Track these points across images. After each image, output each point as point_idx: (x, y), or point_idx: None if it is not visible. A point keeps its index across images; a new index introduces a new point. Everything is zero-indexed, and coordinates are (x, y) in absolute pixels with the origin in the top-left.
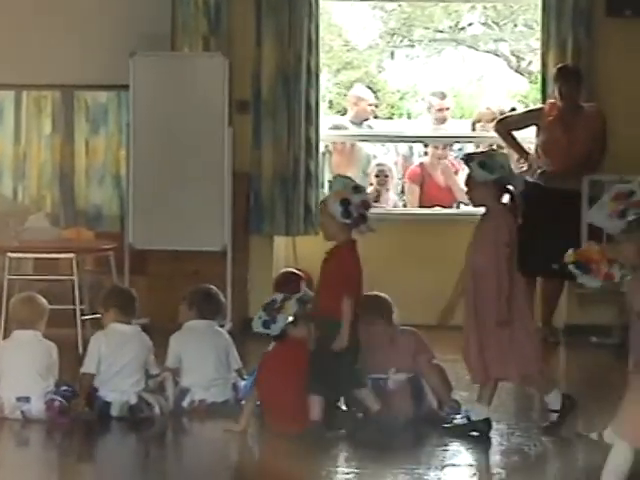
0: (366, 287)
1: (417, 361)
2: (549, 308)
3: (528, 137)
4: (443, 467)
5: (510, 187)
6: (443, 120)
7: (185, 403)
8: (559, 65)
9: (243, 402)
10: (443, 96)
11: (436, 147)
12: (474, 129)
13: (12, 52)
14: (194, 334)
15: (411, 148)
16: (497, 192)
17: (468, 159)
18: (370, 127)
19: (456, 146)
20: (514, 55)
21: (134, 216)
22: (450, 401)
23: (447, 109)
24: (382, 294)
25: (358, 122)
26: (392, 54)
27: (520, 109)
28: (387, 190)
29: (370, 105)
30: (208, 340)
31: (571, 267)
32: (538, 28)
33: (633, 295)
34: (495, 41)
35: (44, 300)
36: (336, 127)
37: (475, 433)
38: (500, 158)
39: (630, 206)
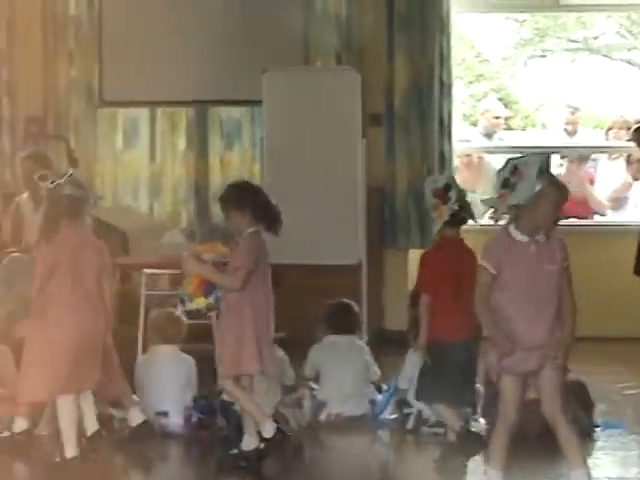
0: None
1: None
2: None
3: None
4: None
5: None
6: (573, 133)
7: (322, 416)
8: None
9: (381, 416)
10: (574, 110)
11: (571, 161)
12: (607, 138)
13: (146, 69)
14: (333, 348)
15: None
16: None
17: None
18: (501, 139)
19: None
20: None
21: None
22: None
23: (576, 124)
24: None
25: (488, 134)
26: (525, 65)
27: None
28: None
29: (499, 117)
30: (347, 354)
31: None
32: None
33: None
34: (629, 50)
35: (184, 316)
36: (465, 140)
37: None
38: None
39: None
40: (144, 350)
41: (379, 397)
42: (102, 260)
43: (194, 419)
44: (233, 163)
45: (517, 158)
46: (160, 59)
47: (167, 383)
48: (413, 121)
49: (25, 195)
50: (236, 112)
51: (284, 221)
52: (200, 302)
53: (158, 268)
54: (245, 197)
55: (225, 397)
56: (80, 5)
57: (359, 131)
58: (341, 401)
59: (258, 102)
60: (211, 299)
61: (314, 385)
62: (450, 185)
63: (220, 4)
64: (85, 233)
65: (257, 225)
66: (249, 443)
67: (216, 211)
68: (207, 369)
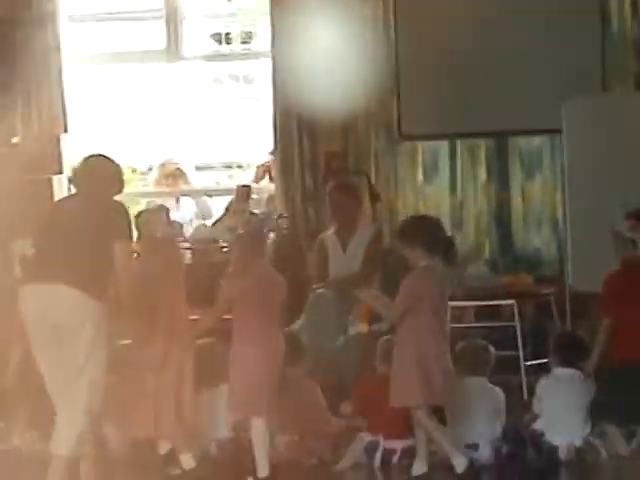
0: None
1: None
2: None
3: None
4: None
5: None
6: None
7: (634, 444)
8: None
9: None
10: None
11: None
12: None
13: (444, 101)
14: None
15: None
16: None
17: None
18: None
19: None
20: None
21: (573, 258)
22: None
23: None
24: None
25: None
26: None
27: None
28: None
29: None
30: None
31: None
32: None
33: None
34: None
35: (492, 348)
36: None
37: None
38: None
39: None
40: None
41: None
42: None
43: (504, 450)
44: (534, 193)
45: None
46: (458, 90)
47: (477, 415)
48: None
49: (330, 231)
50: (536, 141)
51: (590, 249)
52: (362, 327)
53: (462, 300)
54: (414, 232)
55: (535, 426)
56: (376, 40)
57: None
58: None
59: (558, 131)
60: (375, 327)
61: None
62: None
63: (515, 34)
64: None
65: (432, 259)
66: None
67: (519, 242)
68: (515, 399)
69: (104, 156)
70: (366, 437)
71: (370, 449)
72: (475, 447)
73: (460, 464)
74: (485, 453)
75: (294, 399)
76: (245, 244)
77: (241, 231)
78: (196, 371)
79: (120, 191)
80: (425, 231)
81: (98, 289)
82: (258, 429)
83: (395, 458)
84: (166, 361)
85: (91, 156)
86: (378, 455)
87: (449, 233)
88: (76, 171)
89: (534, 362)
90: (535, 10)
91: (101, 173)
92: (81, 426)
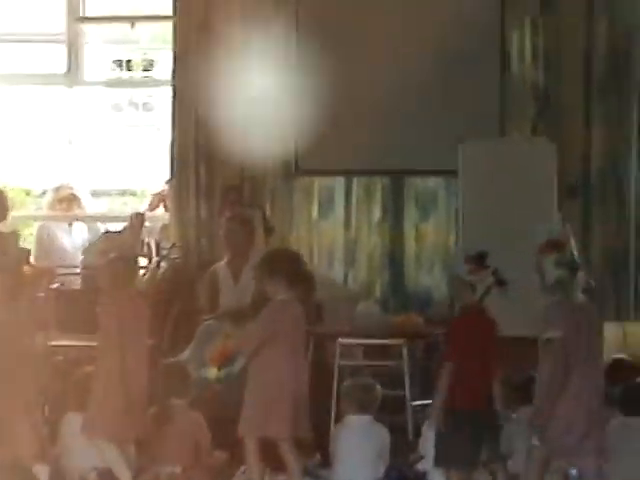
0: None
1: None
2: None
3: None
4: None
5: None
6: None
7: None
8: None
9: None
10: None
11: None
12: None
13: (341, 139)
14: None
15: None
16: None
17: None
18: None
19: None
20: None
21: None
22: None
23: None
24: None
25: None
26: None
27: None
28: None
29: None
30: None
31: None
32: None
33: None
34: None
35: (379, 386)
36: None
37: None
38: None
39: None
40: (337, 420)
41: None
42: None
43: None
44: (428, 233)
45: None
46: (356, 128)
47: (361, 453)
48: (609, 192)
49: (222, 262)
50: (431, 182)
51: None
52: (211, 372)
53: (352, 338)
54: (275, 265)
55: (419, 467)
56: (277, 76)
57: (555, 203)
58: None
59: (453, 172)
60: (223, 373)
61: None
62: (487, 253)
63: (413, 75)
64: None
65: (291, 292)
66: None
67: (411, 281)
68: (400, 439)
69: None
70: None
71: None
72: None
73: None
74: None
75: (177, 430)
76: (115, 269)
77: (112, 255)
78: (75, 398)
79: (4, 218)
80: (286, 265)
81: None
82: (110, 455)
83: None
84: (21, 383)
85: None
86: None
87: (308, 267)
88: None
89: (421, 402)
90: (436, 51)
91: None
92: None
